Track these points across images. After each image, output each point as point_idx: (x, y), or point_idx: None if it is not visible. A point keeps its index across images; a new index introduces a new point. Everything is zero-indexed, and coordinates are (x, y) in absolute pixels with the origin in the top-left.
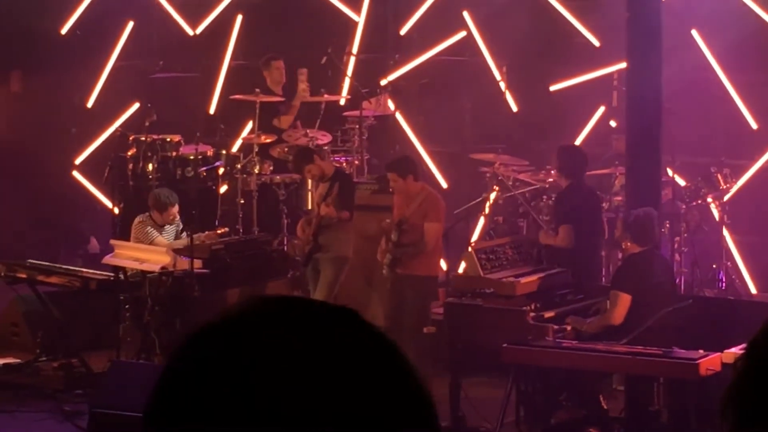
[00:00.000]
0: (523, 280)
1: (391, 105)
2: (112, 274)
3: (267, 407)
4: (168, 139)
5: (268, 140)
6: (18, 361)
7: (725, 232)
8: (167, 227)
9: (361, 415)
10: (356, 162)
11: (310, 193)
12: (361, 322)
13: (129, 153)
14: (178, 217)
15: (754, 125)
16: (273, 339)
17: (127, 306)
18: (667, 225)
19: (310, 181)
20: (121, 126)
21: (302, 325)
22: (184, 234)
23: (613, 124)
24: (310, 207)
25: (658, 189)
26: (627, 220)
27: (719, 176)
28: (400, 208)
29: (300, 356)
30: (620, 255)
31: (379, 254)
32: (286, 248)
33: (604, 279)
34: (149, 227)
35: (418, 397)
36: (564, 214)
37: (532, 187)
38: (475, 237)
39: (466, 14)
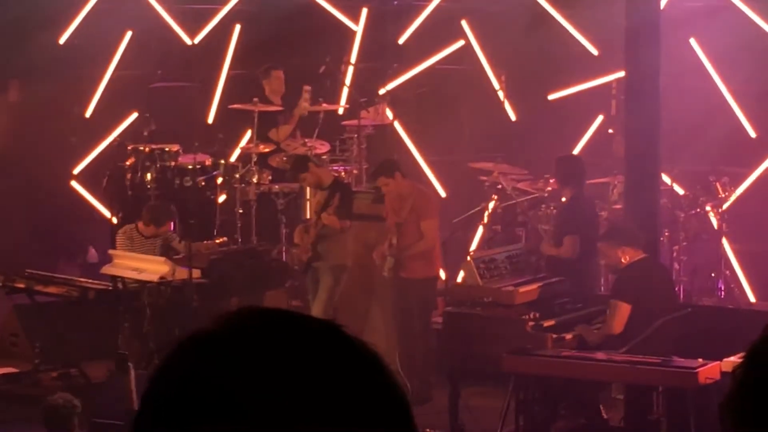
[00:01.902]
0: (522, 289)
1: (389, 114)
2: (110, 284)
3: (245, 415)
4: (166, 149)
5: (267, 150)
6: (17, 371)
7: (724, 241)
8: (152, 239)
9: (339, 424)
10: (355, 171)
11: (308, 203)
12: (342, 335)
13: (127, 162)
14: (169, 235)
15: (752, 134)
16: (255, 351)
17: (126, 316)
18: (666, 233)
19: (308, 191)
20: (119, 135)
21: (284, 338)
22: (182, 243)
23: (611, 131)
24: (308, 216)
25: (657, 197)
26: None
27: (718, 185)
28: (395, 211)
29: (279, 367)
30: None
31: (376, 254)
32: (284, 257)
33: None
34: (128, 241)
35: (396, 409)
36: (568, 225)
37: (531, 196)
38: (473, 246)
39: (464, 23)
